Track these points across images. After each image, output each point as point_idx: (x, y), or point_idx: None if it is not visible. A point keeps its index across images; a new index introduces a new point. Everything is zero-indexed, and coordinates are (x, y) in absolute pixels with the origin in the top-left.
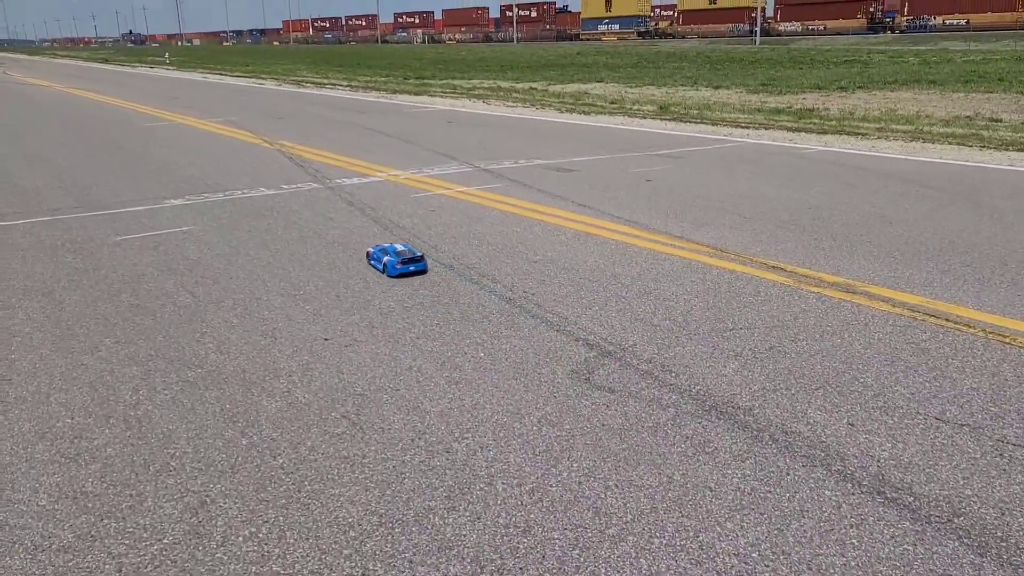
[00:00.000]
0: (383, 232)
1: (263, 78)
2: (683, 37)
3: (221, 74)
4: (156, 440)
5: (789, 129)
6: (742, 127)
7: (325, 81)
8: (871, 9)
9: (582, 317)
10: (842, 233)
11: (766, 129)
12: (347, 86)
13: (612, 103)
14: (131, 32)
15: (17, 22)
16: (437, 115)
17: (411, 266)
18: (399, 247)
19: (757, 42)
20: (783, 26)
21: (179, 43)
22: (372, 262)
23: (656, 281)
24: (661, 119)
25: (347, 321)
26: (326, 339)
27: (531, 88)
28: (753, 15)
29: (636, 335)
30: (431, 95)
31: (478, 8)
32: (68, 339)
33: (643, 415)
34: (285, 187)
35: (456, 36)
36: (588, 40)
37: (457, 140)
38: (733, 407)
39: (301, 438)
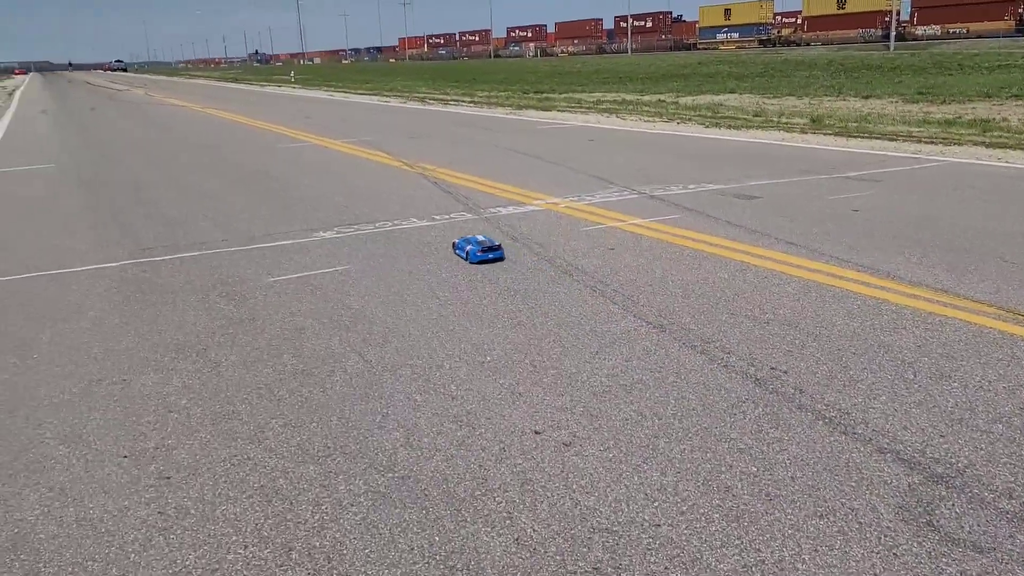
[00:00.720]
0: (562, 277)
1: (386, 96)
2: (807, 44)
3: (345, 92)
4: None
5: (983, 144)
6: (925, 142)
7: (447, 97)
8: (1020, 10)
9: (869, 412)
10: None
11: (958, 145)
12: (470, 102)
13: (755, 116)
14: (257, 52)
15: (156, 46)
16: (574, 132)
17: (490, 254)
18: (480, 238)
19: (892, 47)
20: (920, 30)
21: (301, 61)
22: (457, 251)
23: (948, 358)
24: (821, 133)
25: (556, 405)
26: (537, 432)
27: (660, 100)
28: (886, 19)
29: (965, 447)
30: (560, 110)
31: (592, 20)
32: (229, 418)
33: None
34: (438, 218)
35: (568, 49)
36: (705, 49)
37: (606, 160)
38: None
39: None
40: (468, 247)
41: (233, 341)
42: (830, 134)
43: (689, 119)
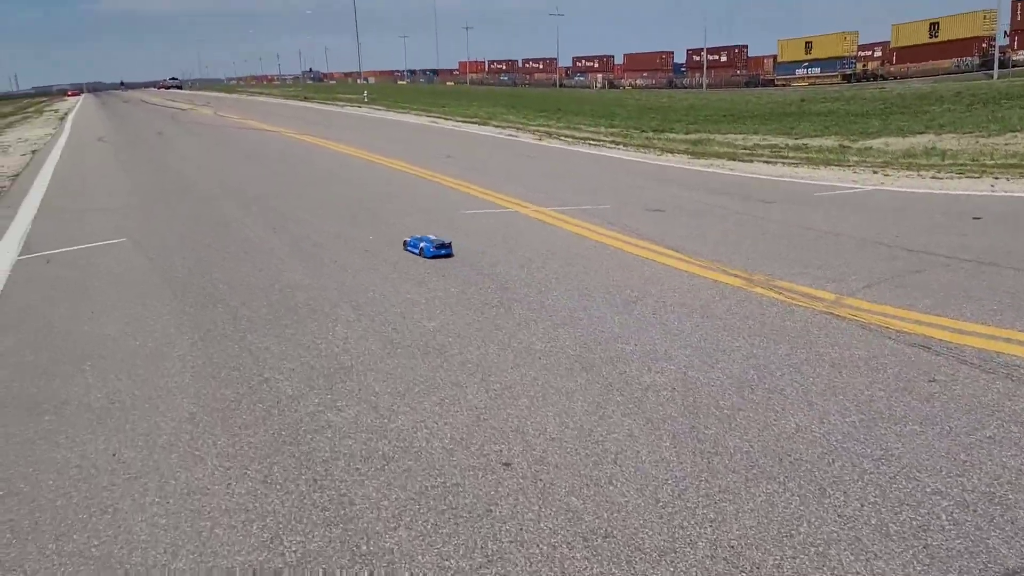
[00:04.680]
0: None
1: (501, 127)
2: (895, 78)
3: (438, 117)
4: None
5: None
6: None
7: (572, 134)
8: None
9: None
10: None
11: None
12: (611, 142)
13: None
14: (311, 69)
15: (208, 62)
16: (899, 203)
17: (442, 251)
18: (431, 236)
19: (995, 75)
20: (1021, 55)
21: (356, 80)
22: (409, 249)
23: None
24: None
25: None
26: None
27: (841, 146)
28: (984, 45)
29: None
30: (811, 164)
31: (662, 52)
32: None
33: None
34: None
35: (636, 81)
36: (783, 85)
37: None
38: None
39: None
40: (422, 244)
41: None
42: None
43: (984, 172)
